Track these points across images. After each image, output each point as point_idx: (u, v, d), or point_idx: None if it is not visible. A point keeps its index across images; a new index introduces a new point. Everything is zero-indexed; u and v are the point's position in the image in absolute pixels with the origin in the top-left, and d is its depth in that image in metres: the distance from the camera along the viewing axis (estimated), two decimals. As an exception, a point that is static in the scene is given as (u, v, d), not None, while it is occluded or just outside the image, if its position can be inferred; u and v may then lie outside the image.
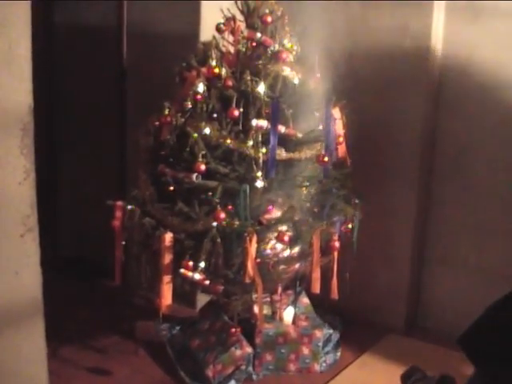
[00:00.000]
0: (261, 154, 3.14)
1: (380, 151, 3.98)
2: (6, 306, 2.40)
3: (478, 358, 1.07)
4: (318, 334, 3.62)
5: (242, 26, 3.38)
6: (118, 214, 3.29)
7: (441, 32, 3.81)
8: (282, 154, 3.24)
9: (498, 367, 1.02)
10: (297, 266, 3.39)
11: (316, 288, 3.34)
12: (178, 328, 3.84)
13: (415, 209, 3.97)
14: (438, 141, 3.97)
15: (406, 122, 3.89)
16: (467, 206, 3.91)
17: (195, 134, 3.14)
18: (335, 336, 3.85)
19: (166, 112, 3.31)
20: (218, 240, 3.07)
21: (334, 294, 3.42)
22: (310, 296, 3.80)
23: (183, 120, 3.25)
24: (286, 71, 3.29)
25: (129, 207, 3.27)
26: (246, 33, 3.36)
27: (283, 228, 3.20)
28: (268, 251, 3.22)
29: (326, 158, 3.31)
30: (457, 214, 3.96)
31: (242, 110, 3.17)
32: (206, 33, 3.71)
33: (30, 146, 2.38)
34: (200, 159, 3.12)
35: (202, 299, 4.03)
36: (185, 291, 3.34)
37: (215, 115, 3.23)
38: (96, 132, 4.63)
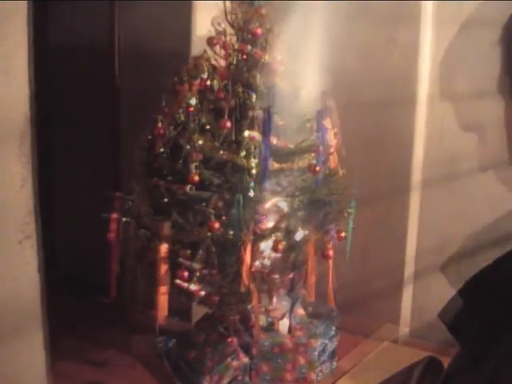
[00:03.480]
0: (254, 165, 3.18)
1: (371, 161, 4.03)
2: (4, 312, 2.41)
3: (460, 335, 1.06)
4: (314, 343, 3.64)
5: (232, 39, 3.44)
6: (114, 226, 3.31)
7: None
8: (273, 164, 3.28)
9: (482, 344, 1.01)
10: (291, 275, 3.42)
11: (311, 297, 3.36)
12: (174, 341, 3.85)
13: (408, 217, 4.00)
14: (426, 151, 4.03)
15: (397, 132, 3.94)
16: (458, 214, 3.94)
17: (188, 145, 3.18)
18: (331, 345, 3.85)
19: (159, 125, 3.34)
20: (213, 250, 3.10)
21: (331, 302, 3.44)
22: (306, 307, 3.83)
23: (176, 132, 3.29)
24: (278, 83, 3.34)
25: (124, 219, 3.30)
26: (236, 46, 3.41)
27: (278, 237, 3.22)
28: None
29: (318, 168, 3.36)
30: (448, 222, 3.99)
31: (234, 121, 3.22)
32: (197, 47, 3.76)
33: (28, 154, 2.42)
34: (193, 170, 3.16)
35: (198, 313, 4.04)
36: (181, 304, 3.36)
37: (208, 127, 3.28)
38: (90, 147, 4.66)
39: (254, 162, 3.19)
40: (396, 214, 4.05)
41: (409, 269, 4.11)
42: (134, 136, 3.50)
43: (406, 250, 4.08)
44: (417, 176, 4.02)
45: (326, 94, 3.44)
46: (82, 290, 4.70)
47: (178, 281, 3.14)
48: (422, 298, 4.14)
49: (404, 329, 4.18)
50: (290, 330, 3.70)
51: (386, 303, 4.13)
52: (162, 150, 3.34)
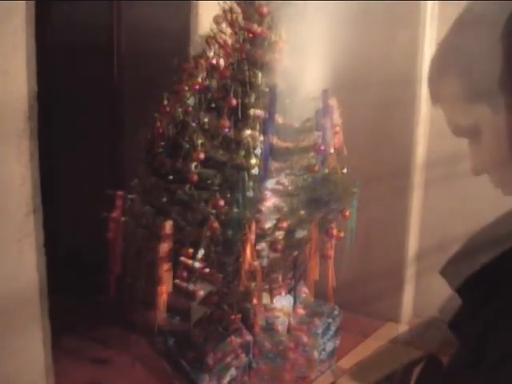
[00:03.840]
0: (253, 164, 3.17)
1: (372, 160, 4.02)
2: (4, 311, 2.40)
3: (460, 332, 1.06)
4: (317, 322, 3.66)
5: (239, 17, 3.40)
6: (113, 225, 3.29)
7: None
8: (273, 164, 3.27)
9: (481, 342, 1.00)
10: (295, 254, 3.40)
11: (314, 275, 3.33)
12: (173, 340, 3.81)
13: (411, 198, 4.02)
14: (430, 132, 4.03)
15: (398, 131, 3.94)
16: (462, 194, 3.96)
17: (194, 123, 3.16)
18: (334, 325, 3.86)
19: (159, 124, 3.33)
20: (213, 249, 3.08)
21: (331, 301, 3.45)
22: (309, 287, 3.81)
23: (175, 132, 3.28)
24: (278, 82, 3.32)
25: (129, 196, 3.28)
26: (243, 24, 3.38)
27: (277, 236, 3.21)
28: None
29: (317, 168, 3.35)
30: (451, 202, 4.00)
31: (233, 121, 3.21)
32: (204, 27, 3.73)
33: (27, 152, 2.41)
34: (199, 148, 3.14)
35: (197, 313, 4.02)
36: (180, 304, 3.34)
37: (214, 105, 3.27)
38: (90, 145, 4.62)
39: (253, 161, 3.18)
40: (397, 213, 4.04)
41: (410, 268, 4.10)
42: (135, 134, 3.48)
43: (407, 249, 4.07)
44: (418, 175, 4.01)
45: (326, 92, 3.42)
46: (82, 290, 4.68)
47: (177, 281, 3.13)
48: (422, 297, 4.13)
49: (404, 328, 4.17)
50: (289, 330, 3.68)
51: (387, 302, 4.13)
52: (161, 149, 3.33)
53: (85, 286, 4.61)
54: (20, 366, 2.53)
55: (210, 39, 3.36)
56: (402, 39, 3.85)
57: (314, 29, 3.28)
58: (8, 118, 2.34)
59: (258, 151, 3.19)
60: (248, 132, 3.19)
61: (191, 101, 3.24)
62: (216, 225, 3.04)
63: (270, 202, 3.25)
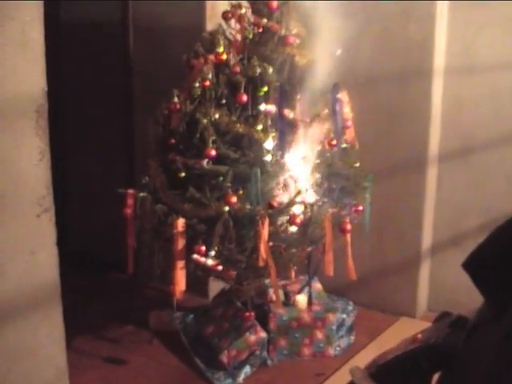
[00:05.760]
0: (271, 138, 3.17)
1: (388, 134, 4.01)
2: (23, 285, 2.41)
3: (485, 285, 1.06)
4: (332, 317, 3.64)
5: (248, 12, 3.40)
6: (130, 201, 3.29)
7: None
8: (290, 138, 3.26)
9: (507, 294, 1.01)
10: (309, 249, 3.41)
11: (329, 271, 3.34)
12: (191, 316, 3.85)
13: (425, 191, 3.99)
14: (443, 124, 4.00)
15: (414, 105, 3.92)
16: (476, 187, 3.92)
17: (205, 120, 3.15)
18: (349, 320, 3.85)
19: (176, 100, 3.32)
20: (231, 224, 3.08)
21: (352, 274, 3.41)
22: (323, 282, 3.83)
23: (192, 107, 3.27)
24: (294, 56, 3.31)
25: (140, 194, 3.28)
26: (252, 19, 3.38)
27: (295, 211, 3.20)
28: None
29: (334, 142, 3.36)
30: (466, 196, 3.97)
31: (250, 95, 3.19)
32: (213, 22, 3.74)
33: (45, 127, 2.41)
34: (210, 145, 3.14)
35: (214, 288, 4.05)
36: (197, 279, 3.35)
37: (224, 101, 3.25)
38: (103, 123, 4.65)
39: (270, 135, 3.18)
40: (411, 207, 4.03)
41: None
42: (149, 112, 3.48)
43: (421, 243, 4.05)
44: (434, 149, 3.99)
45: (337, 86, 3.41)
46: (99, 267, 4.71)
47: (195, 256, 3.13)
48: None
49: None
50: (309, 303, 3.68)
51: (401, 297, 4.13)
52: (178, 124, 3.32)
53: (101, 263, 4.65)
54: (39, 339, 2.52)
55: (219, 35, 3.34)
56: (415, 32, 3.81)
57: (324, 22, 3.26)
58: (26, 92, 2.33)
59: (270, 146, 3.18)
60: (264, 106, 3.17)
61: (208, 75, 3.22)
62: (234, 199, 3.04)
63: (288, 175, 3.24)
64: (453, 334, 1.21)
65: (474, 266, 1.06)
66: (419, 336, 1.30)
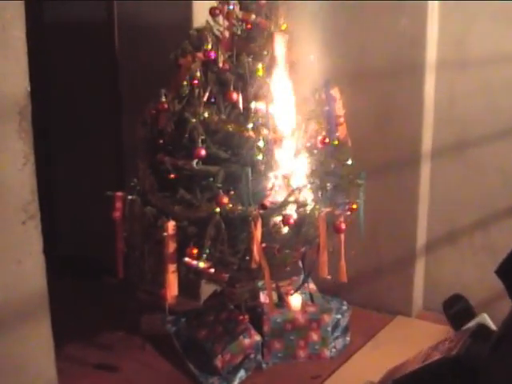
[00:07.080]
0: (262, 137, 3.10)
1: (380, 130, 3.95)
2: (10, 295, 2.33)
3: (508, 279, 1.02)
4: (327, 318, 3.57)
5: (236, 8, 3.33)
6: (119, 205, 3.22)
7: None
8: (282, 136, 3.20)
9: None
10: (303, 249, 3.34)
11: (324, 272, 3.27)
12: (183, 320, 3.77)
13: (418, 188, 3.93)
14: (436, 119, 3.94)
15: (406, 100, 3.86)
16: (470, 183, 3.86)
17: (194, 119, 3.08)
18: (344, 321, 3.79)
19: (163, 99, 3.25)
20: (222, 226, 3.01)
21: (343, 277, 3.34)
22: (317, 282, 3.77)
23: (181, 106, 3.20)
24: (284, 52, 3.24)
25: (129, 197, 3.20)
26: (240, 15, 3.31)
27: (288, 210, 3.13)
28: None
29: (327, 140, 3.30)
30: (460, 192, 3.92)
31: (240, 92, 3.12)
32: (200, 19, 3.66)
33: (29, 130, 2.33)
34: (200, 145, 3.06)
35: (206, 291, 3.98)
36: (189, 282, 3.28)
37: (213, 100, 3.18)
38: (91, 124, 4.58)
39: (262, 133, 3.11)
40: (405, 205, 3.98)
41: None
42: (136, 112, 3.41)
43: (416, 241, 4.00)
44: (427, 145, 3.93)
45: (328, 83, 3.36)
46: (89, 272, 4.65)
47: (186, 258, 3.06)
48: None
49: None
50: (301, 306, 3.62)
51: (397, 295, 4.09)
52: (166, 124, 3.25)
53: (90, 269, 4.59)
54: (28, 351, 2.47)
55: (206, 32, 3.26)
56: (406, 27, 3.75)
57: (315, 18, 3.21)
58: (8, 93, 2.26)
59: (261, 145, 3.10)
60: (254, 104, 3.11)
61: (196, 74, 3.15)
62: (225, 200, 2.97)
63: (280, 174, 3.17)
64: (475, 345, 1.15)
65: (507, 272, 1.03)
66: (440, 346, 1.23)
